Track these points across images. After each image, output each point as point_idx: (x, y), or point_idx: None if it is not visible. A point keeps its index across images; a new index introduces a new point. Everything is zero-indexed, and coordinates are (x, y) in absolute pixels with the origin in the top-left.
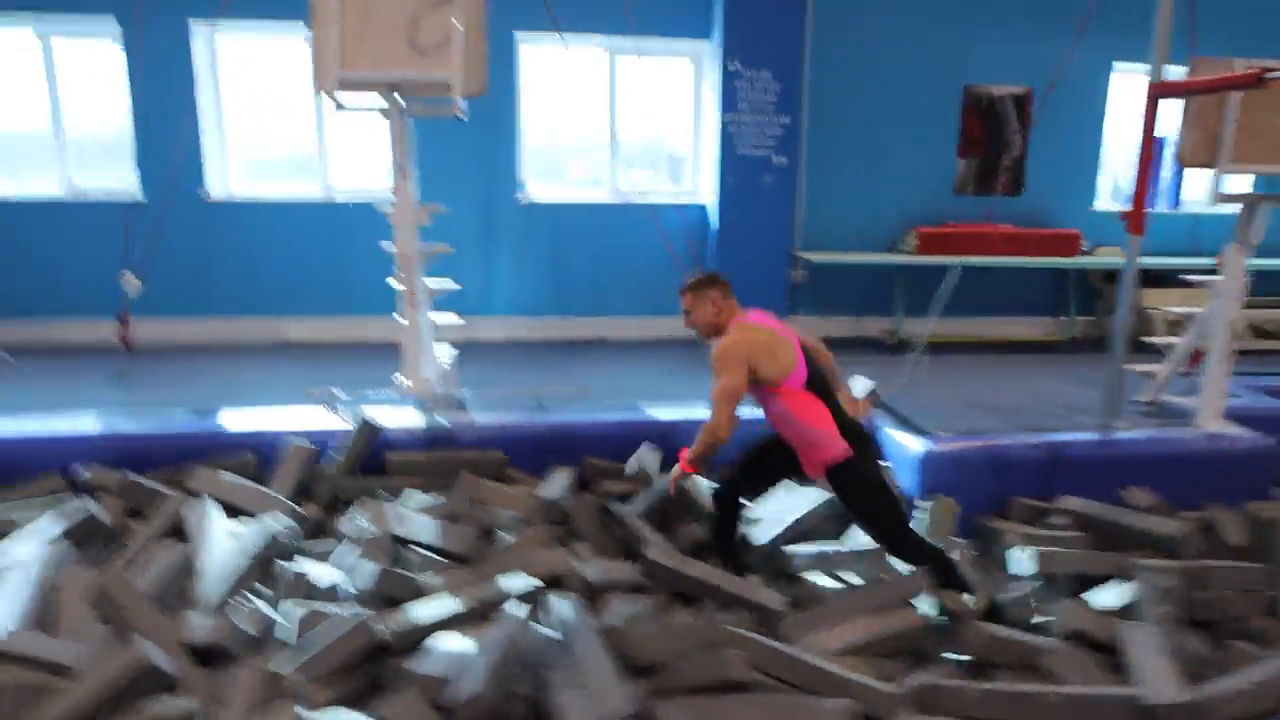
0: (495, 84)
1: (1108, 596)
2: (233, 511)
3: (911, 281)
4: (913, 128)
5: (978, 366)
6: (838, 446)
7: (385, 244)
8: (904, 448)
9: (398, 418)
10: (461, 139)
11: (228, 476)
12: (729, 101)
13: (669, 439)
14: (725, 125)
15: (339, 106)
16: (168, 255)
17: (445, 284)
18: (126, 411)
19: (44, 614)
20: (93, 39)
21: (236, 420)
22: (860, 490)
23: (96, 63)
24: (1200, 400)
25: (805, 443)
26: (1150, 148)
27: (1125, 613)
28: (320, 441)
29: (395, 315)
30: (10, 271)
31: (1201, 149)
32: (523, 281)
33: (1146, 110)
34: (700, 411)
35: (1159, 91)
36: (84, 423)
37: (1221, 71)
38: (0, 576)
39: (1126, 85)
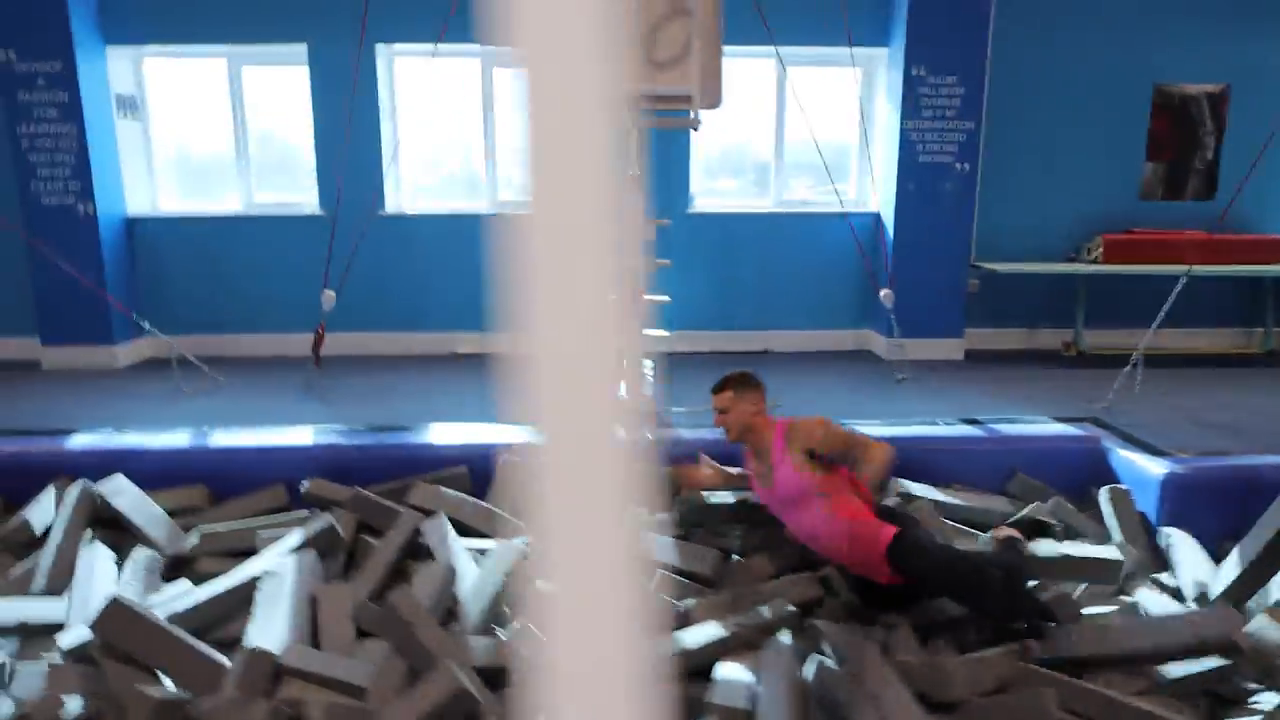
0: None
1: None
2: (455, 525)
3: (1094, 291)
4: (1096, 130)
5: (1179, 381)
6: (885, 529)
7: None
8: (1139, 470)
9: None
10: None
11: (448, 491)
12: (910, 108)
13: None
14: (906, 132)
15: None
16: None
17: (661, 298)
18: (334, 424)
19: (303, 627)
20: (281, 66)
21: (443, 434)
22: (926, 554)
23: (273, 87)
24: None
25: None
26: None
27: None
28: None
29: None
30: (201, 287)
31: None
32: (690, 293)
33: None
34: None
35: None
36: (297, 435)
37: None
38: (256, 588)
39: None
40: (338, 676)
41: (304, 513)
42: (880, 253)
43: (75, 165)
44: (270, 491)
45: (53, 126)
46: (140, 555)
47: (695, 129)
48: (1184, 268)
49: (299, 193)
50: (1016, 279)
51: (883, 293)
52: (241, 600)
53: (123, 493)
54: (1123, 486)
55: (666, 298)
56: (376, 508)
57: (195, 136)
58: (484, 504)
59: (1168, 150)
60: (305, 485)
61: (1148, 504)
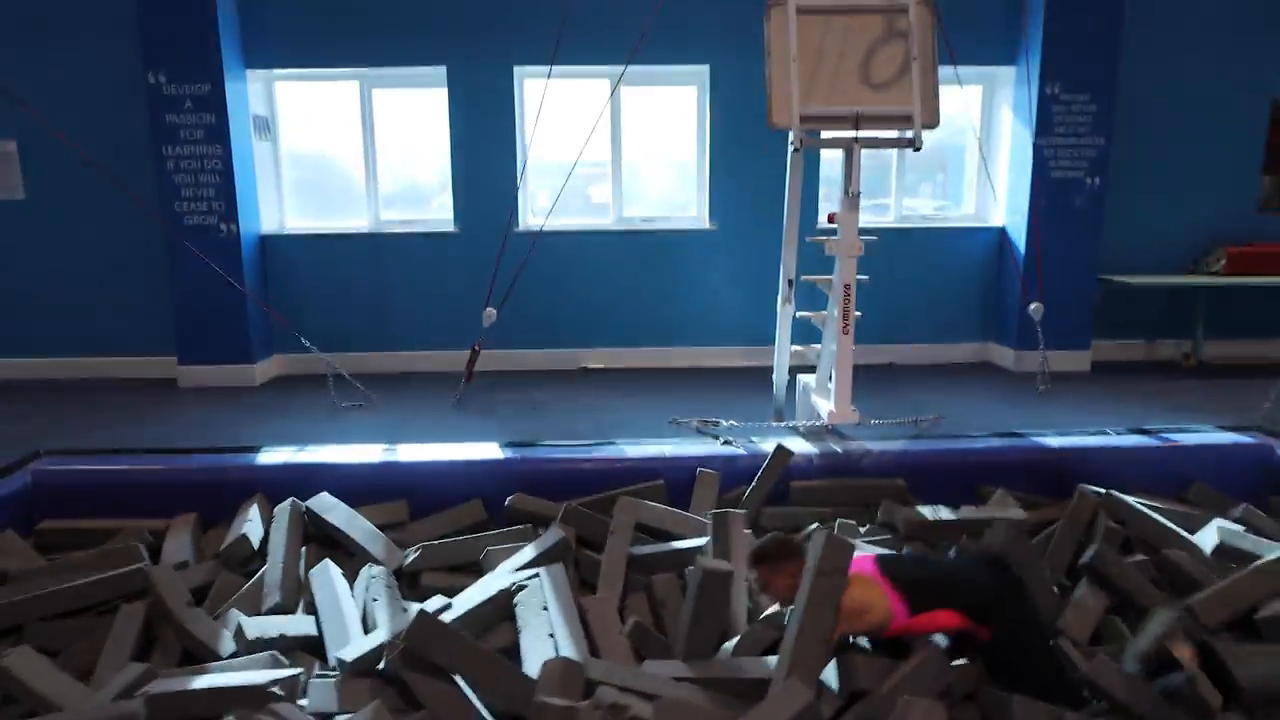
0: None
1: None
2: (659, 536)
3: (1212, 303)
4: (1215, 144)
5: None
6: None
7: (811, 278)
8: None
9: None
10: (763, 169)
11: (653, 504)
12: (1044, 125)
13: (1067, 464)
14: (1039, 148)
15: (796, 146)
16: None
17: (857, 314)
18: (500, 439)
19: (580, 639)
20: (410, 89)
21: (631, 448)
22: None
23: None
24: None
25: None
26: None
27: None
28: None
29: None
30: (331, 304)
31: None
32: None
33: None
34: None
35: None
36: (485, 449)
37: None
38: (515, 601)
39: None
40: (644, 688)
41: (521, 527)
42: (1007, 266)
43: (219, 185)
44: (469, 506)
45: (199, 148)
46: (376, 571)
47: (917, 148)
48: None
49: (421, 211)
50: (1136, 291)
51: (1033, 306)
52: (499, 612)
53: (333, 509)
54: None
55: (859, 312)
56: (590, 521)
57: (317, 157)
58: (690, 514)
59: None
60: (510, 500)
61: None
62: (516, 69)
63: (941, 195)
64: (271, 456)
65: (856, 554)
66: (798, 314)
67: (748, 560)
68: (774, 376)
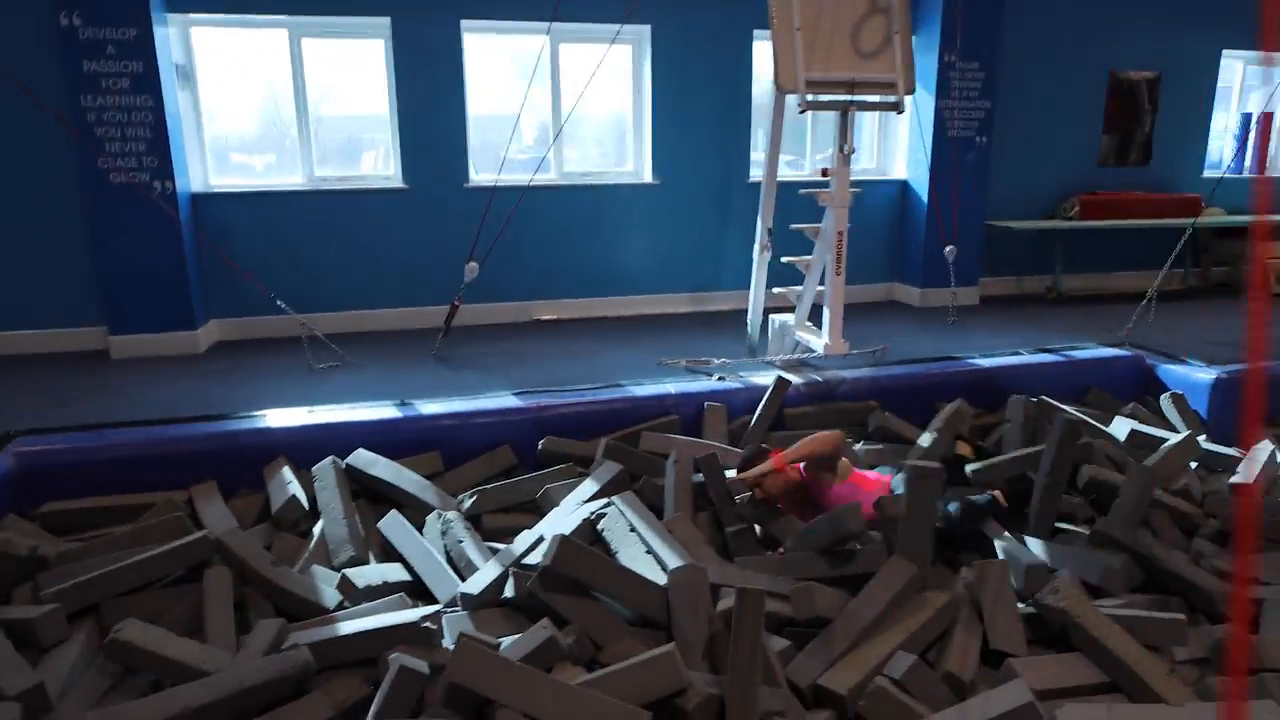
0: (730, 82)
1: None
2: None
3: (1070, 243)
4: (1068, 108)
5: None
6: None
7: (801, 226)
8: (1189, 379)
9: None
10: (702, 126)
11: (679, 437)
12: (943, 88)
13: (996, 380)
14: (939, 110)
15: (803, 107)
16: (438, 241)
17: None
18: (492, 389)
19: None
20: (350, 39)
21: (636, 388)
22: None
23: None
24: None
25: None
26: None
27: None
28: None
29: (774, 288)
30: (271, 264)
31: None
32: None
33: None
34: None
35: None
36: (501, 399)
37: None
38: (600, 528)
39: (1232, 70)
40: (764, 588)
41: (563, 467)
42: (910, 214)
43: (151, 140)
44: (500, 452)
45: (124, 98)
46: (450, 515)
47: (900, 111)
48: (1135, 221)
49: (353, 168)
50: (1013, 234)
51: (948, 249)
52: (586, 539)
53: (375, 463)
54: (1179, 392)
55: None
56: (632, 455)
57: (240, 110)
58: (714, 443)
59: (1117, 124)
60: (542, 444)
61: (1198, 405)
62: (462, 22)
63: None
64: (283, 419)
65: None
66: (783, 259)
67: (739, 471)
68: (749, 316)
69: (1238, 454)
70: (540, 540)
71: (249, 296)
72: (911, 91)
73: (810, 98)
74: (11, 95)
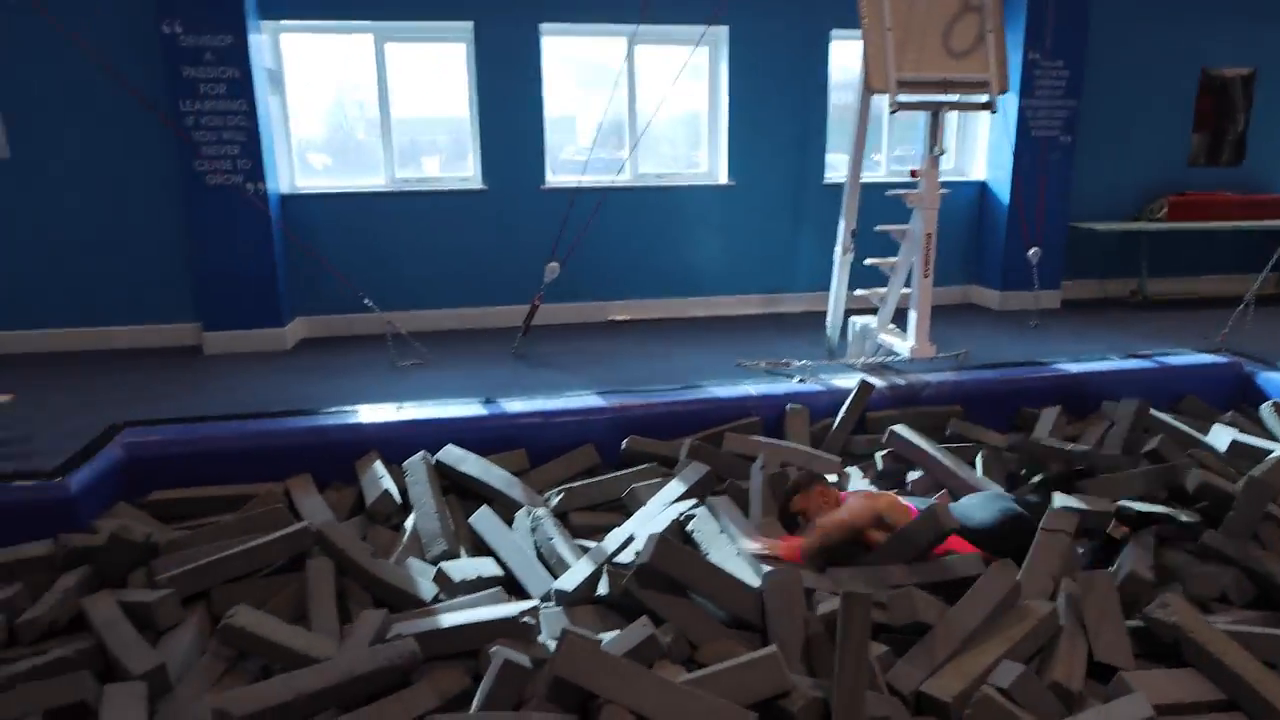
0: (807, 81)
1: None
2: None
3: (1157, 245)
4: (1156, 107)
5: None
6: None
7: (886, 227)
8: None
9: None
10: (778, 127)
11: (762, 439)
12: (1027, 87)
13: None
14: (1023, 109)
15: (894, 107)
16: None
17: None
18: (572, 388)
19: None
20: (432, 43)
21: (717, 389)
22: None
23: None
24: None
25: None
26: None
27: None
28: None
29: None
30: (355, 263)
31: None
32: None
33: None
34: (1089, 365)
35: None
36: (584, 398)
37: None
38: (690, 529)
39: None
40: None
41: (646, 466)
42: (989, 216)
43: (244, 144)
44: (583, 451)
45: (220, 103)
46: (540, 512)
47: (994, 111)
48: (1227, 223)
49: (433, 169)
50: (1096, 236)
51: (1032, 251)
52: (676, 539)
53: (464, 460)
54: (1278, 401)
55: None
56: (716, 456)
57: (326, 114)
58: (798, 446)
59: (1209, 123)
60: (625, 443)
61: None
62: (541, 25)
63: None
64: (373, 415)
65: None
66: (868, 261)
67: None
68: (829, 318)
69: None
70: (631, 539)
71: (332, 295)
72: (1005, 91)
73: (902, 98)
74: (115, 100)
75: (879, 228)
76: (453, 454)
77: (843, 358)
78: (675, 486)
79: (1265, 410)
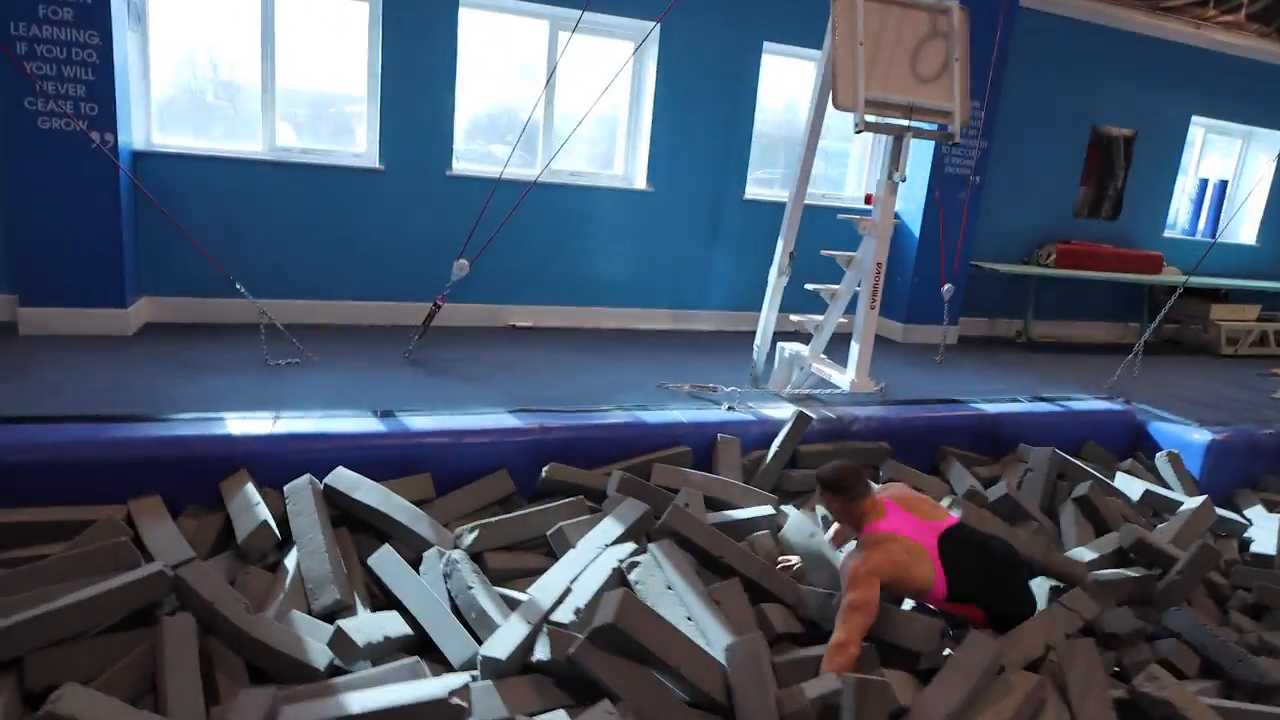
0: (736, 92)
1: None
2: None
3: (1043, 289)
4: (1049, 157)
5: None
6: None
7: (832, 253)
8: (1181, 438)
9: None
10: (702, 136)
11: (692, 471)
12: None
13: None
14: (938, 146)
15: (861, 127)
16: (415, 233)
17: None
18: (483, 401)
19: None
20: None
21: (643, 415)
22: None
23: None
24: None
25: None
26: None
27: None
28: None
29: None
30: (218, 241)
31: None
32: (740, 275)
33: None
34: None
35: None
36: (497, 418)
37: None
38: (633, 580)
39: (1197, 136)
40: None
41: (572, 500)
42: (899, 249)
43: (93, 83)
44: (496, 478)
45: (66, 31)
46: (456, 555)
47: (955, 143)
48: (1105, 274)
49: (318, 140)
50: (988, 276)
51: (946, 287)
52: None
53: (359, 486)
54: (1174, 451)
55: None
56: (648, 490)
57: (190, 64)
58: (729, 480)
59: (1094, 178)
60: (545, 471)
61: (1191, 465)
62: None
63: (827, 181)
64: (244, 426)
65: (936, 518)
66: (808, 286)
67: (819, 486)
68: (757, 341)
69: (1244, 520)
70: (568, 592)
71: (191, 273)
72: (967, 123)
73: (870, 118)
74: None
75: (825, 252)
76: (345, 479)
77: (766, 384)
78: (609, 527)
79: (1160, 460)
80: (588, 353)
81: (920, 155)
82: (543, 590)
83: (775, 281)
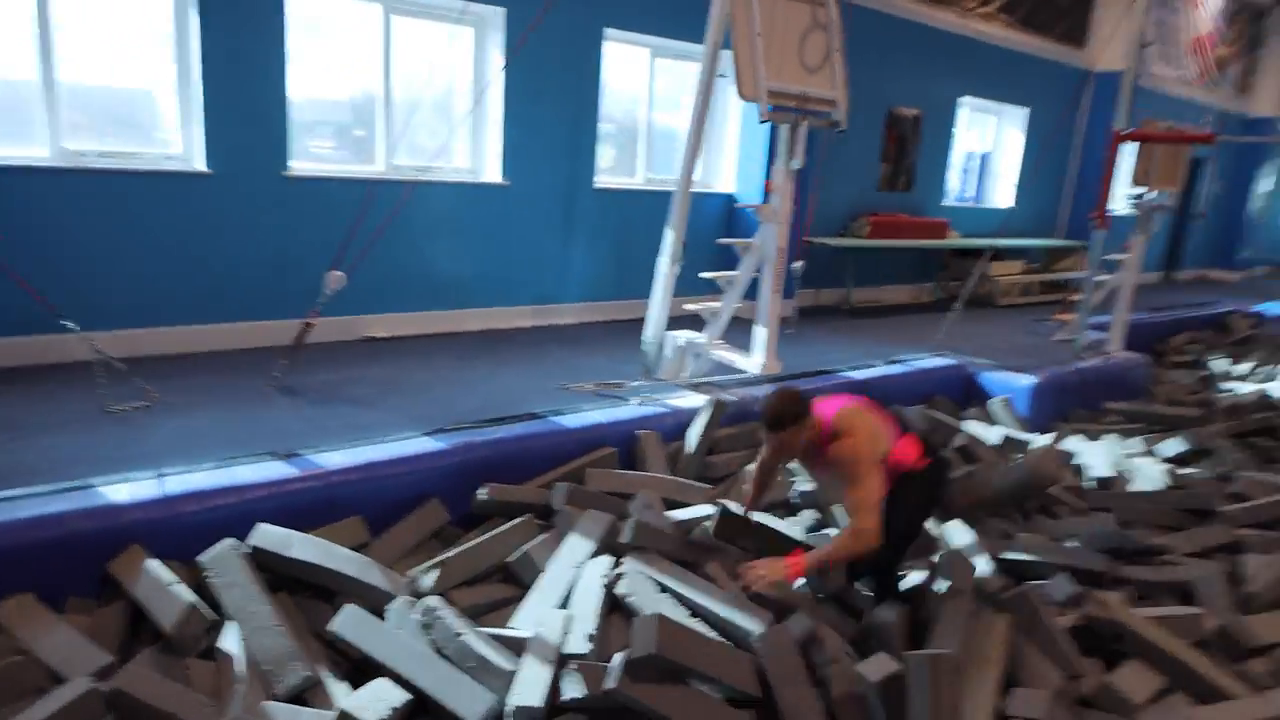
0: (581, 79)
1: None
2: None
3: (860, 259)
4: (858, 139)
5: (942, 322)
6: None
7: (729, 240)
8: (1010, 383)
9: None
10: (551, 125)
11: (628, 473)
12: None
13: (869, 389)
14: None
15: (765, 117)
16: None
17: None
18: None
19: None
20: None
21: (562, 420)
22: (911, 501)
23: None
24: (1111, 336)
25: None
26: (1112, 172)
27: None
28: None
29: (686, 304)
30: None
31: (1140, 173)
32: (596, 265)
33: (1111, 148)
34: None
35: (1124, 138)
36: (417, 443)
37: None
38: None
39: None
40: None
41: (521, 520)
42: (738, 228)
43: None
44: (429, 509)
45: None
46: (434, 601)
47: (842, 131)
48: (910, 241)
49: (126, 142)
50: (818, 250)
51: (797, 263)
52: (606, 610)
53: (291, 541)
54: (1006, 397)
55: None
56: (594, 498)
57: None
58: (664, 476)
59: (892, 154)
60: (482, 493)
61: (1025, 405)
62: None
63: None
64: (122, 492)
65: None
66: (704, 274)
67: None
68: (648, 332)
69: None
70: (571, 620)
71: None
72: (847, 111)
73: (772, 108)
74: None
75: (721, 241)
76: (273, 536)
77: (658, 374)
78: (579, 543)
79: (995, 405)
80: (466, 358)
81: (756, 142)
82: (536, 622)
83: (668, 271)
